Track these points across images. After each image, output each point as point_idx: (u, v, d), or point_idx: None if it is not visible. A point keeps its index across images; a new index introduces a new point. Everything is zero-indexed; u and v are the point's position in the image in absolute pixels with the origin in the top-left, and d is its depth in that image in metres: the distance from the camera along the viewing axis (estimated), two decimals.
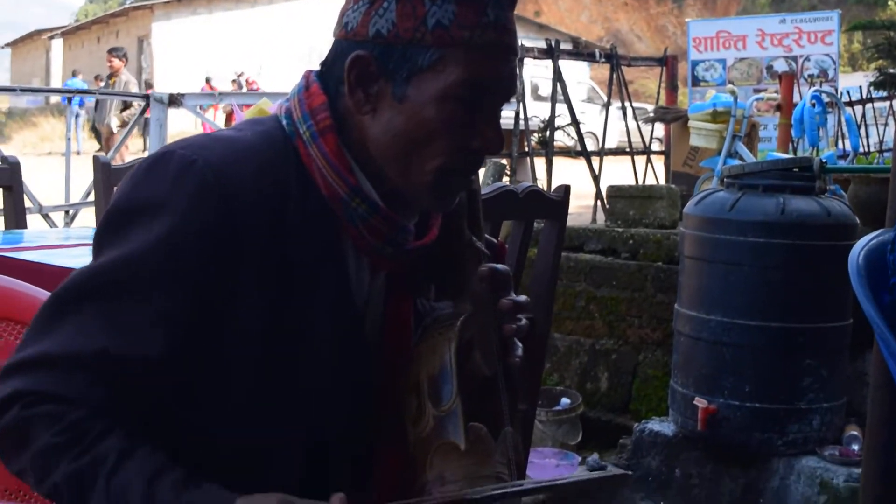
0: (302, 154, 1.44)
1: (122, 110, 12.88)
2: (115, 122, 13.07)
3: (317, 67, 1.51)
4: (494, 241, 1.71)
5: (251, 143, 1.42)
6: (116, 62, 13.55)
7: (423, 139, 1.41)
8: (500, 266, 1.57)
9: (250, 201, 1.37)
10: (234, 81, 25.14)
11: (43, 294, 1.91)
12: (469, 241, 1.56)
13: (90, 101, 15.18)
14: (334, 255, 1.45)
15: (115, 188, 1.42)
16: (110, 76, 13.77)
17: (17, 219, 3.92)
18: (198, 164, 1.35)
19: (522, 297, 1.58)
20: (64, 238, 3.74)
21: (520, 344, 1.57)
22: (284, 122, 1.46)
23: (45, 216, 7.35)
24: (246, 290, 1.37)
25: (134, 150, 15.29)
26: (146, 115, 8.08)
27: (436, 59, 1.39)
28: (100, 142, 13.96)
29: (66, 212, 7.89)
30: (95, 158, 4.18)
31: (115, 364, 1.32)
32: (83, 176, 6.36)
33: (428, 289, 1.61)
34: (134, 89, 13.69)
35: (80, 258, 2.75)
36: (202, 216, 1.34)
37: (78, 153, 13.07)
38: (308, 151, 1.43)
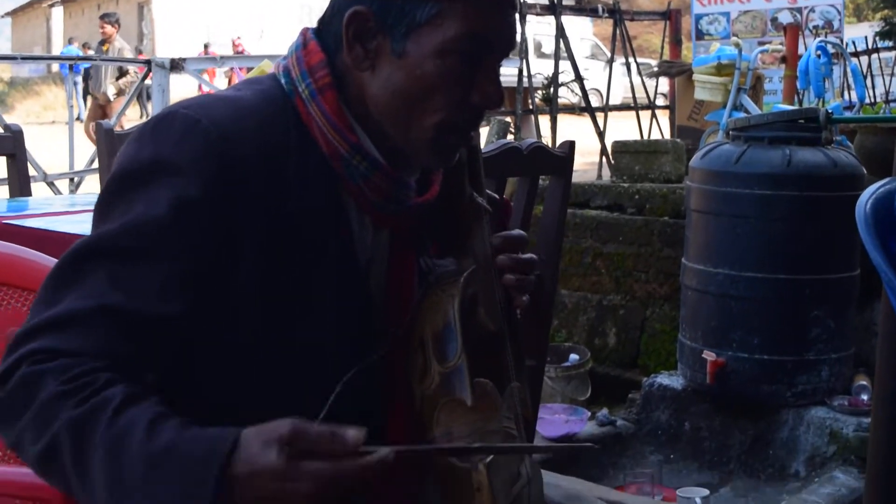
0: (301, 112, 1.43)
1: (118, 77, 12.77)
2: (111, 90, 12.95)
3: (315, 25, 1.50)
4: (496, 196, 1.71)
5: (251, 102, 1.42)
6: (109, 28, 13.32)
7: (423, 95, 1.40)
8: (514, 232, 1.57)
9: (254, 159, 1.36)
10: (234, 44, 25.05)
11: (48, 261, 1.91)
12: (470, 197, 1.56)
13: (86, 69, 15.06)
14: (336, 212, 1.44)
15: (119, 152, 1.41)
16: (102, 42, 13.61)
17: (21, 187, 3.92)
18: (202, 123, 1.35)
19: (529, 255, 1.58)
20: (69, 205, 3.73)
21: (526, 296, 1.58)
22: (283, 80, 1.45)
23: (50, 184, 7.35)
24: (252, 247, 1.36)
25: (132, 118, 15.23)
26: (145, 82, 8.05)
27: (434, 13, 1.38)
28: (93, 108, 13.78)
29: (71, 179, 7.89)
30: (98, 125, 4.17)
31: (127, 322, 1.31)
32: (87, 143, 6.35)
33: (430, 246, 1.61)
34: (128, 55, 13.57)
35: (86, 224, 2.74)
36: (208, 175, 1.34)
37: (79, 120, 13.01)
38: (307, 110, 1.43)
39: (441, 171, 1.55)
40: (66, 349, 1.29)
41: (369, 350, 1.47)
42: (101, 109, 12.57)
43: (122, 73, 12.59)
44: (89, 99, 14.52)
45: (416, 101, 1.40)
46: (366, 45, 1.41)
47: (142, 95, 14.74)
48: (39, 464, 1.29)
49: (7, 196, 3.94)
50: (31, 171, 5.37)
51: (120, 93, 12.55)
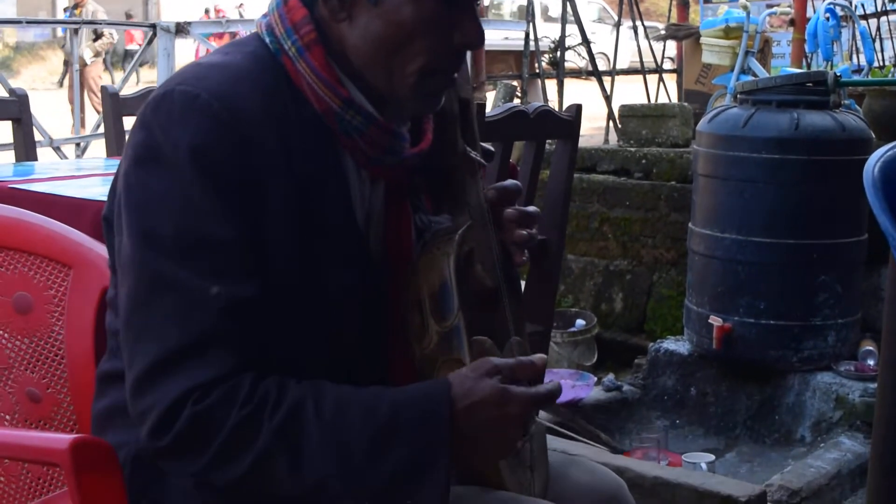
0: (290, 71, 1.42)
1: (94, 40, 12.62)
2: (88, 54, 12.82)
3: None
4: (491, 149, 1.69)
5: (242, 65, 1.41)
6: None
7: (403, 40, 1.39)
8: (507, 182, 1.56)
9: (256, 120, 1.36)
10: (238, 7, 24.89)
11: (54, 225, 1.91)
12: (463, 151, 1.54)
13: (61, 35, 14.90)
14: (335, 170, 1.44)
15: (127, 133, 1.40)
16: (75, 6, 13.41)
17: (27, 151, 3.91)
18: (202, 97, 1.34)
19: (530, 207, 1.57)
20: (76, 169, 3.73)
21: (526, 251, 1.57)
22: (268, 39, 1.44)
23: (56, 149, 7.34)
24: (271, 212, 1.36)
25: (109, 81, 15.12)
26: (128, 48, 8.00)
27: None
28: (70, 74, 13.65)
29: (77, 144, 7.88)
30: (104, 89, 4.17)
31: (236, 313, 1.32)
32: (93, 108, 6.34)
33: (425, 203, 1.60)
34: (102, 17, 13.39)
35: (92, 188, 2.74)
36: (220, 143, 1.33)
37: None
38: (296, 68, 1.41)
39: (433, 119, 1.54)
40: (216, 377, 1.31)
41: (373, 308, 1.48)
42: (80, 74, 12.51)
43: (97, 35, 12.46)
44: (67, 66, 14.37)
45: (396, 48, 1.39)
46: None
47: (126, 60, 14.58)
48: (238, 482, 1.33)
49: (13, 161, 3.93)
50: (37, 136, 5.36)
51: (97, 55, 12.44)
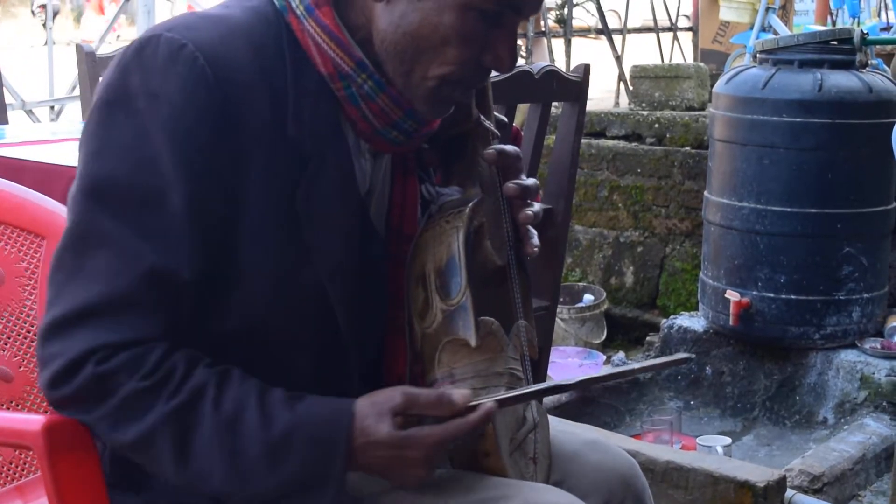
0: (296, 30, 1.41)
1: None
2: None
3: None
4: (505, 119, 1.69)
5: (241, 20, 1.40)
6: None
7: (435, 45, 1.38)
8: (507, 147, 1.55)
9: (247, 81, 1.35)
10: None
11: (25, 192, 1.91)
12: (477, 119, 1.54)
13: None
14: (335, 138, 1.43)
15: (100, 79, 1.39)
16: None
17: None
18: (188, 48, 1.33)
19: (530, 181, 1.57)
20: (50, 133, 3.72)
21: (535, 231, 1.56)
22: None
23: (29, 112, 7.33)
24: (257, 177, 1.36)
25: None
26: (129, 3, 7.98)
27: None
28: None
29: (52, 107, 7.86)
30: (79, 48, 4.13)
31: (166, 283, 1.33)
32: (69, 69, 6.32)
33: (434, 174, 1.60)
34: None
35: (67, 154, 2.73)
36: (199, 102, 1.32)
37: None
38: (303, 26, 1.41)
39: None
40: (126, 340, 1.33)
41: (375, 283, 1.48)
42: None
43: None
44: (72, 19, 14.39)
45: (425, 49, 1.39)
46: None
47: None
48: (123, 448, 1.38)
49: None
50: (9, 99, 5.35)
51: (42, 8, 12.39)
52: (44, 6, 13.19)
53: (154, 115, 1.32)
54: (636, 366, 1.55)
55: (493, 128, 1.56)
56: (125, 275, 1.32)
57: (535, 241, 1.57)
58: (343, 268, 1.44)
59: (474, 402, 1.36)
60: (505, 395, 1.39)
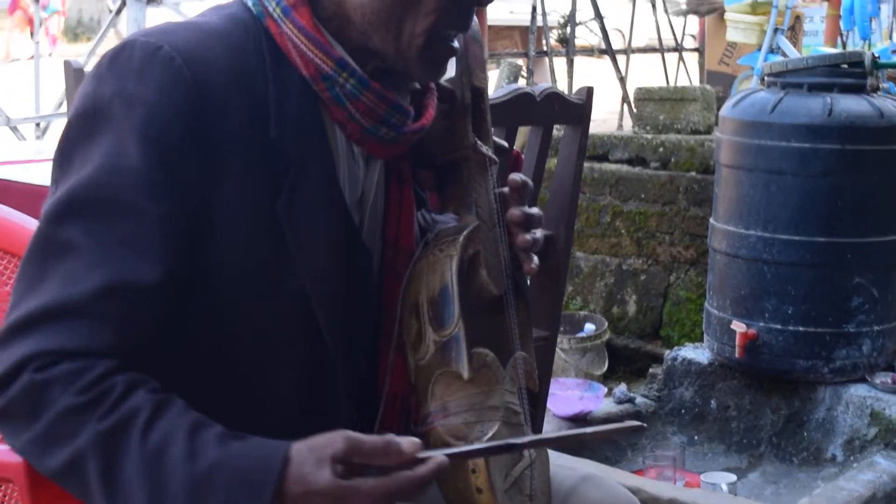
0: (274, 34, 1.43)
1: None
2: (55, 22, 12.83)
3: None
4: (504, 144, 1.70)
5: (217, 25, 1.42)
6: None
7: None
8: (517, 175, 1.56)
9: (224, 84, 1.36)
10: None
11: (9, 213, 1.91)
12: (474, 144, 1.55)
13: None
14: (320, 143, 1.44)
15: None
16: None
17: None
18: (164, 49, 1.35)
19: (534, 210, 1.58)
20: (35, 152, 3.72)
21: (535, 257, 1.57)
22: (250, 2, 1.45)
23: (14, 129, 7.33)
24: (234, 182, 1.37)
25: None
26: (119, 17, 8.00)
27: None
28: None
29: (37, 124, 7.87)
30: (67, 64, 4.14)
31: (125, 296, 1.32)
32: (56, 84, 6.33)
33: (429, 200, 1.60)
34: None
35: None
36: (176, 104, 1.33)
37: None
38: (281, 30, 1.42)
39: (435, 95, 1.54)
40: (70, 349, 1.31)
41: (366, 301, 1.48)
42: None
43: None
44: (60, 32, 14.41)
45: (407, 5, 1.41)
46: None
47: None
48: (55, 475, 1.33)
49: None
50: None
51: None
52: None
53: (128, 119, 1.33)
54: (588, 430, 1.49)
55: (490, 153, 1.57)
56: (82, 283, 1.31)
57: (535, 260, 1.57)
58: (328, 277, 1.44)
59: (423, 455, 1.29)
60: (455, 450, 1.34)
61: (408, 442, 1.28)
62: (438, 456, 1.30)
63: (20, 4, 20.80)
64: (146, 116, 1.33)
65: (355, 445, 1.27)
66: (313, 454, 1.27)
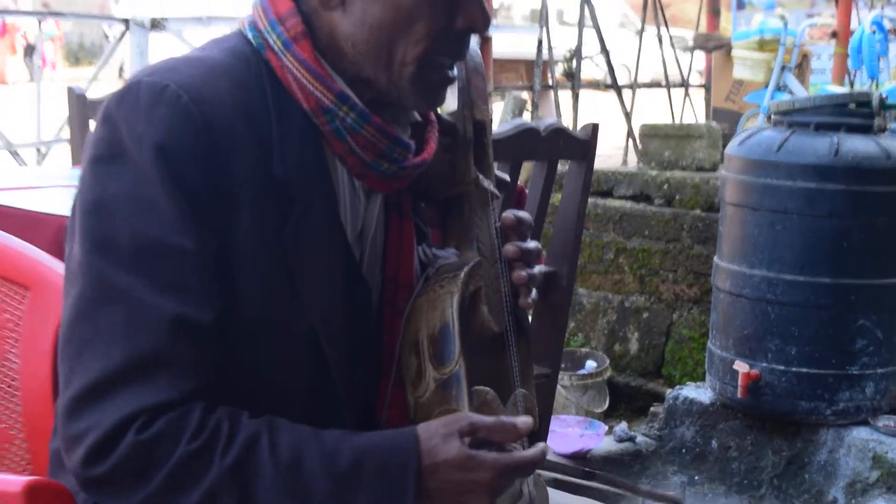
0: (275, 67, 1.44)
1: None
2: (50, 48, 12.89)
3: None
4: (506, 178, 1.71)
5: (219, 60, 1.43)
6: None
7: (403, 25, 1.42)
8: (522, 213, 1.57)
9: (230, 119, 1.38)
10: None
11: (9, 240, 1.91)
12: (475, 179, 1.55)
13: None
14: (322, 178, 1.45)
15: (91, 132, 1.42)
16: None
17: None
18: (170, 88, 1.36)
19: (532, 244, 1.58)
20: (36, 178, 3.73)
21: (533, 291, 1.58)
22: (250, 35, 1.47)
23: (14, 154, 7.35)
24: (243, 217, 1.38)
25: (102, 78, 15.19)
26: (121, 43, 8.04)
27: None
28: None
29: (38, 149, 7.89)
30: (70, 90, 4.17)
31: (191, 334, 1.33)
32: (58, 109, 6.35)
33: (430, 235, 1.61)
34: None
35: (54, 201, 2.74)
36: (187, 141, 1.35)
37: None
38: (282, 62, 1.44)
39: (436, 129, 1.56)
40: (163, 402, 1.31)
41: (366, 334, 1.49)
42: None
43: None
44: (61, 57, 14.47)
45: (396, 32, 1.43)
46: None
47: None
48: None
49: None
50: None
51: None
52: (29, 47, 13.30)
53: (144, 160, 1.34)
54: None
55: (492, 188, 1.58)
56: (147, 330, 1.32)
57: (533, 295, 1.58)
58: (333, 311, 1.45)
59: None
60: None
61: (522, 419, 1.39)
62: (539, 444, 1.40)
63: (7, 29, 20.99)
64: (158, 155, 1.34)
65: (478, 421, 1.36)
66: (440, 429, 1.36)
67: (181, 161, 1.34)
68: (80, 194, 1.40)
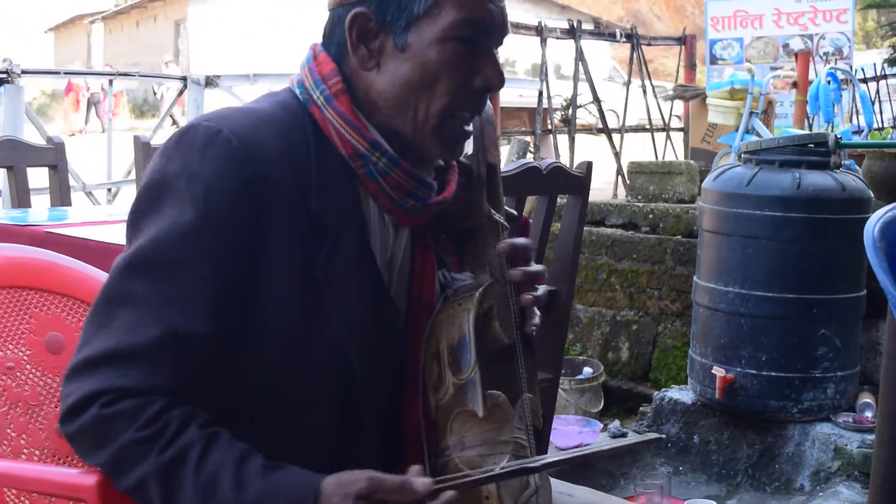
0: (318, 118, 1.45)
1: None
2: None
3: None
4: (514, 212, 1.71)
5: (269, 111, 1.44)
6: None
7: (428, 82, 1.43)
8: (519, 239, 1.57)
9: (274, 162, 1.38)
10: None
11: (86, 268, 1.92)
12: (488, 213, 1.56)
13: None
14: (356, 212, 1.46)
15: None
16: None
17: (62, 196, 3.95)
18: (223, 132, 1.37)
19: (537, 267, 1.58)
20: (107, 215, 3.75)
21: (538, 313, 1.57)
22: (298, 91, 1.48)
23: (89, 194, 7.39)
24: (277, 250, 1.38)
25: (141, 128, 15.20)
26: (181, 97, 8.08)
27: (430, 3, 1.41)
28: None
29: (109, 189, 7.93)
30: (136, 138, 4.20)
31: (179, 345, 1.35)
32: (126, 154, 6.38)
33: (449, 261, 1.61)
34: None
35: (123, 234, 2.75)
36: (232, 180, 1.36)
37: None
38: (324, 115, 1.45)
39: (460, 180, 1.55)
40: (133, 387, 1.34)
41: (393, 353, 1.49)
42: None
43: None
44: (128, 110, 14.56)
45: (422, 89, 1.43)
46: (369, 46, 1.45)
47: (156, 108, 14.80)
48: (127, 492, 1.37)
49: (49, 205, 3.96)
50: (72, 182, 5.41)
51: None
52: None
53: (189, 192, 1.36)
54: (606, 447, 1.45)
55: (503, 220, 1.58)
56: (143, 332, 1.34)
57: (536, 320, 1.58)
58: (362, 330, 1.45)
59: (438, 486, 1.31)
60: (465, 479, 1.35)
61: (421, 482, 1.30)
62: (448, 492, 1.31)
63: (73, 88, 21.20)
64: (204, 190, 1.35)
65: (377, 484, 1.30)
66: (341, 489, 1.30)
67: (224, 198, 1.35)
68: (131, 213, 1.42)
